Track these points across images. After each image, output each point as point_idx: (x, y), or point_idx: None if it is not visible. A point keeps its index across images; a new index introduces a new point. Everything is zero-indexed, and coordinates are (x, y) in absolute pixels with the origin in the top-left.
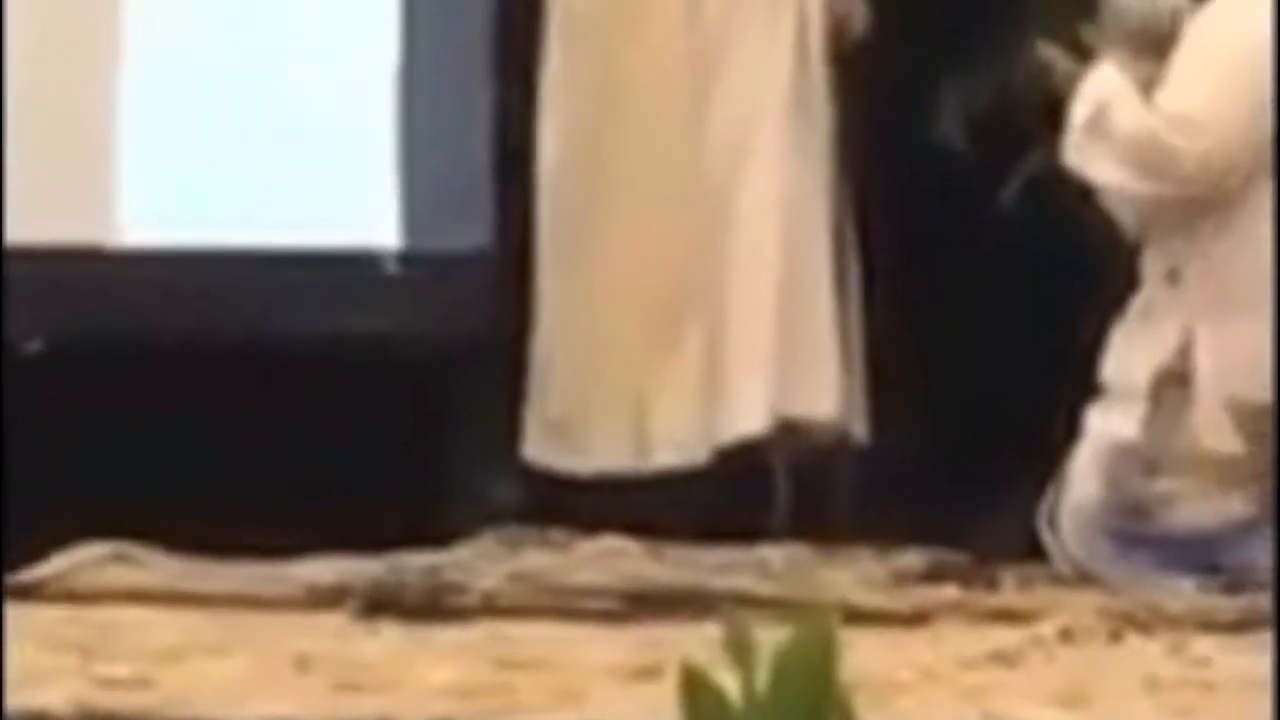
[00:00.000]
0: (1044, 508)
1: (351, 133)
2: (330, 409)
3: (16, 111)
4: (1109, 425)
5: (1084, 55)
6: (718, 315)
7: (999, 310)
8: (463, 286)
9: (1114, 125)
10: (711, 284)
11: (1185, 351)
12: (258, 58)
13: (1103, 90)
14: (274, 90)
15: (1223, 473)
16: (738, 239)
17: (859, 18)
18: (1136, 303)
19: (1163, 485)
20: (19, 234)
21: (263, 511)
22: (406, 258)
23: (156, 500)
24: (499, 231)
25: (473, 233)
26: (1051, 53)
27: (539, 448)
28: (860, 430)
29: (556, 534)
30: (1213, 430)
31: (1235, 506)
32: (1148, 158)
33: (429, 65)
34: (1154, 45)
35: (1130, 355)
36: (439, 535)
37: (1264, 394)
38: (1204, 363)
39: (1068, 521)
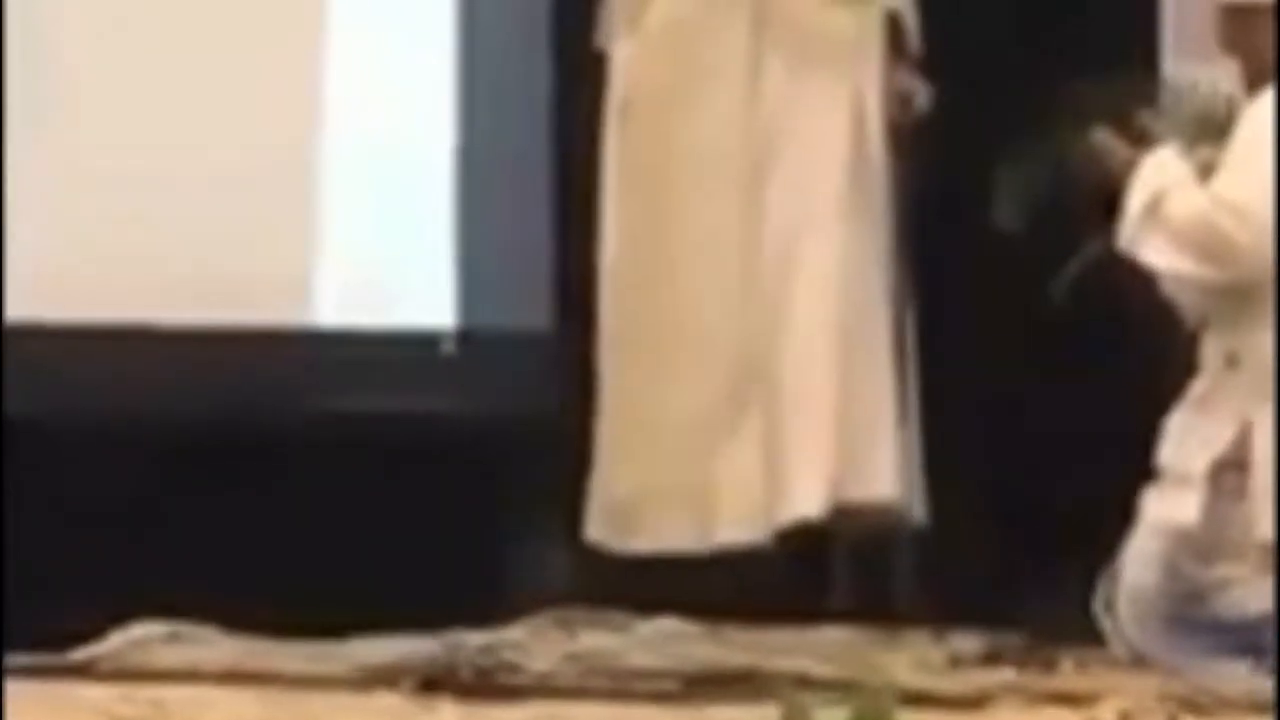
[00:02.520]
0: (1101, 591)
1: (409, 213)
2: (389, 488)
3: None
4: (1166, 510)
5: (1141, 141)
6: (778, 397)
7: (1057, 393)
8: (521, 367)
9: (1170, 211)
10: (771, 366)
11: (1242, 438)
12: (318, 140)
13: (1159, 176)
14: (334, 171)
15: (1265, 562)
16: (797, 321)
17: (919, 98)
18: (1195, 388)
19: (1219, 571)
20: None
21: (320, 590)
22: (465, 338)
23: (215, 579)
24: (557, 312)
25: (531, 313)
26: (1108, 139)
27: (600, 528)
28: (918, 512)
29: (613, 614)
30: (1267, 519)
31: None
32: (1203, 244)
33: (488, 147)
34: (1210, 132)
35: (1188, 441)
36: (496, 615)
37: None
38: (1260, 450)
39: (1125, 605)
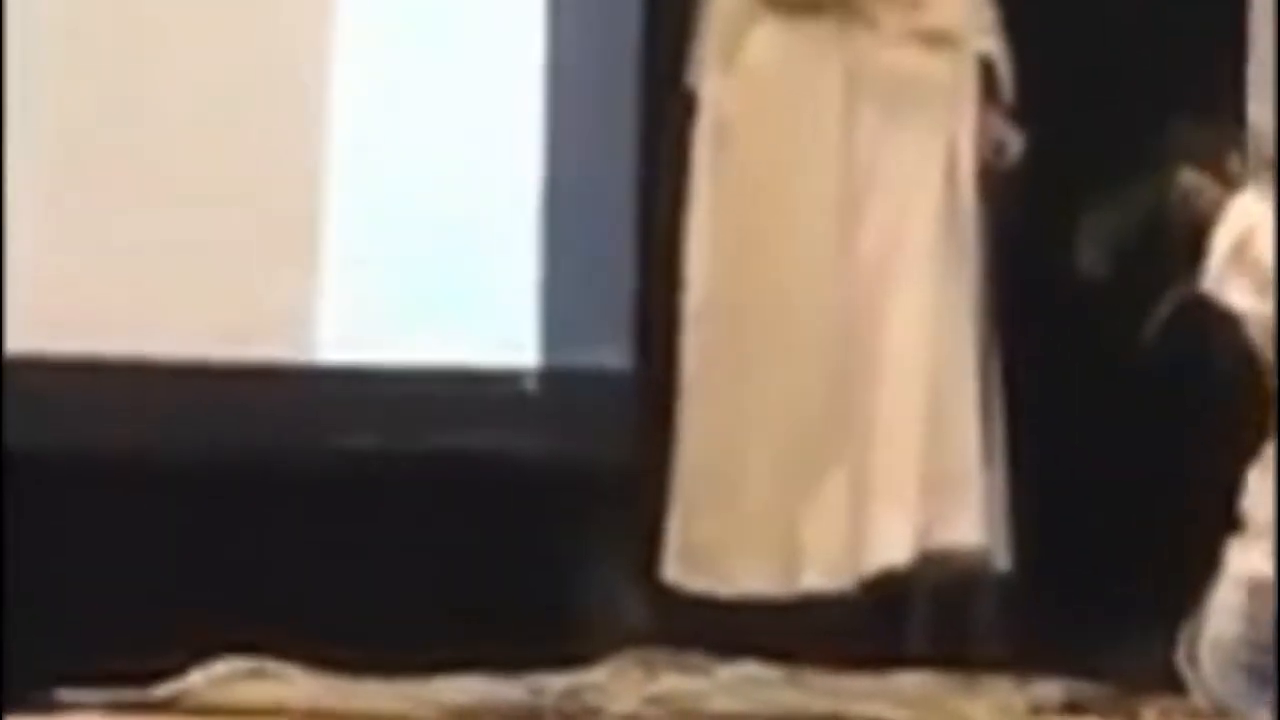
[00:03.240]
0: (1183, 641)
1: (494, 249)
2: (469, 526)
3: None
4: (1248, 561)
5: (1229, 185)
6: (864, 443)
7: (1142, 439)
8: (603, 406)
9: (1256, 254)
10: (857, 411)
11: None
12: (401, 175)
13: (1245, 218)
14: (419, 207)
15: None
16: (884, 366)
17: (1012, 144)
18: (1277, 437)
19: None
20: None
21: (402, 629)
22: (546, 376)
23: (298, 616)
24: (640, 352)
25: (614, 353)
26: (1197, 180)
27: (681, 571)
28: (1001, 558)
29: (694, 657)
30: None
31: None
32: None
33: (573, 182)
34: None
35: (1270, 491)
36: (577, 656)
37: None
38: None
39: (1207, 655)
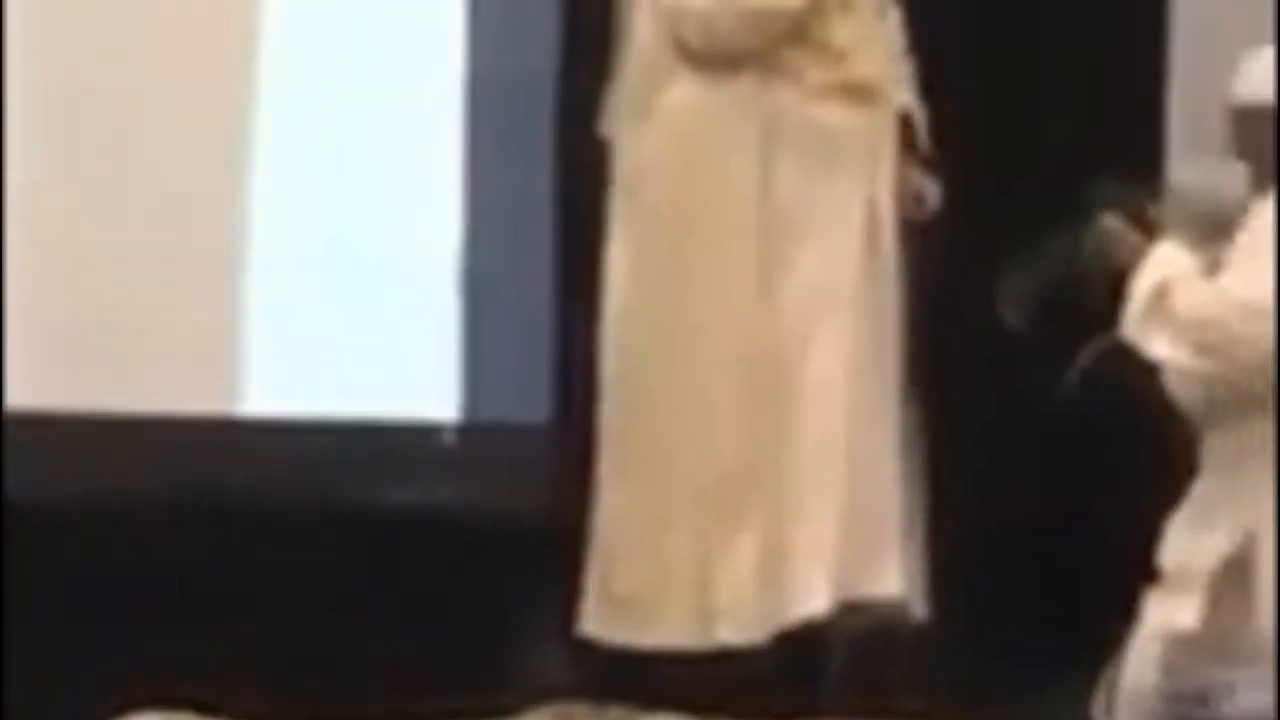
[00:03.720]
0: (1101, 692)
1: (414, 303)
2: (387, 579)
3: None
4: (1168, 612)
5: (1150, 231)
6: (782, 494)
7: (1060, 489)
8: (521, 459)
9: (1175, 303)
10: (776, 462)
11: (1246, 541)
12: (322, 229)
13: (1165, 268)
14: (340, 261)
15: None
16: (803, 418)
17: (930, 196)
18: (1197, 488)
19: (1221, 673)
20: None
21: (319, 682)
22: (466, 430)
23: (214, 669)
24: (558, 405)
25: (533, 406)
26: (1118, 225)
27: (600, 623)
28: (920, 608)
29: (614, 710)
30: (1270, 621)
31: None
32: (1209, 339)
33: (492, 235)
34: (1217, 232)
35: (1191, 542)
36: (497, 710)
37: None
38: (1265, 554)
39: (1125, 706)
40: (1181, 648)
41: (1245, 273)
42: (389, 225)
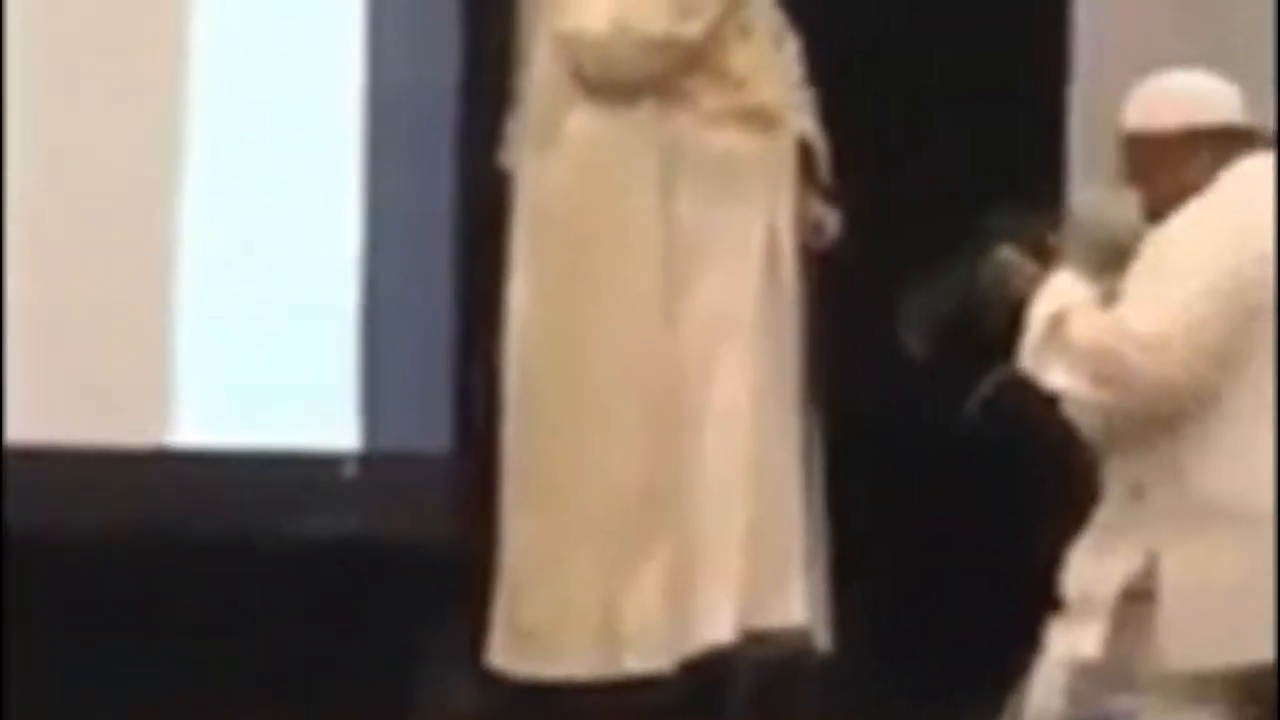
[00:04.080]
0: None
1: (314, 333)
2: (289, 611)
3: None
4: (1070, 640)
5: (1048, 260)
6: (686, 524)
7: (963, 518)
8: (424, 489)
9: (1071, 333)
10: (680, 492)
11: (1150, 568)
12: (222, 263)
13: (1061, 297)
14: (240, 293)
15: (1187, 690)
16: (706, 447)
17: (830, 224)
18: (1099, 516)
19: (1125, 702)
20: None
21: (221, 707)
22: (368, 460)
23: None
24: (461, 435)
25: (435, 436)
26: (1013, 255)
27: (505, 654)
28: (823, 638)
29: None
30: (1178, 650)
31: None
32: (1107, 370)
33: (393, 264)
34: (1116, 259)
35: (1093, 570)
36: None
37: (1232, 613)
38: (1169, 581)
39: None
40: (1085, 676)
41: (1146, 303)
42: (291, 260)
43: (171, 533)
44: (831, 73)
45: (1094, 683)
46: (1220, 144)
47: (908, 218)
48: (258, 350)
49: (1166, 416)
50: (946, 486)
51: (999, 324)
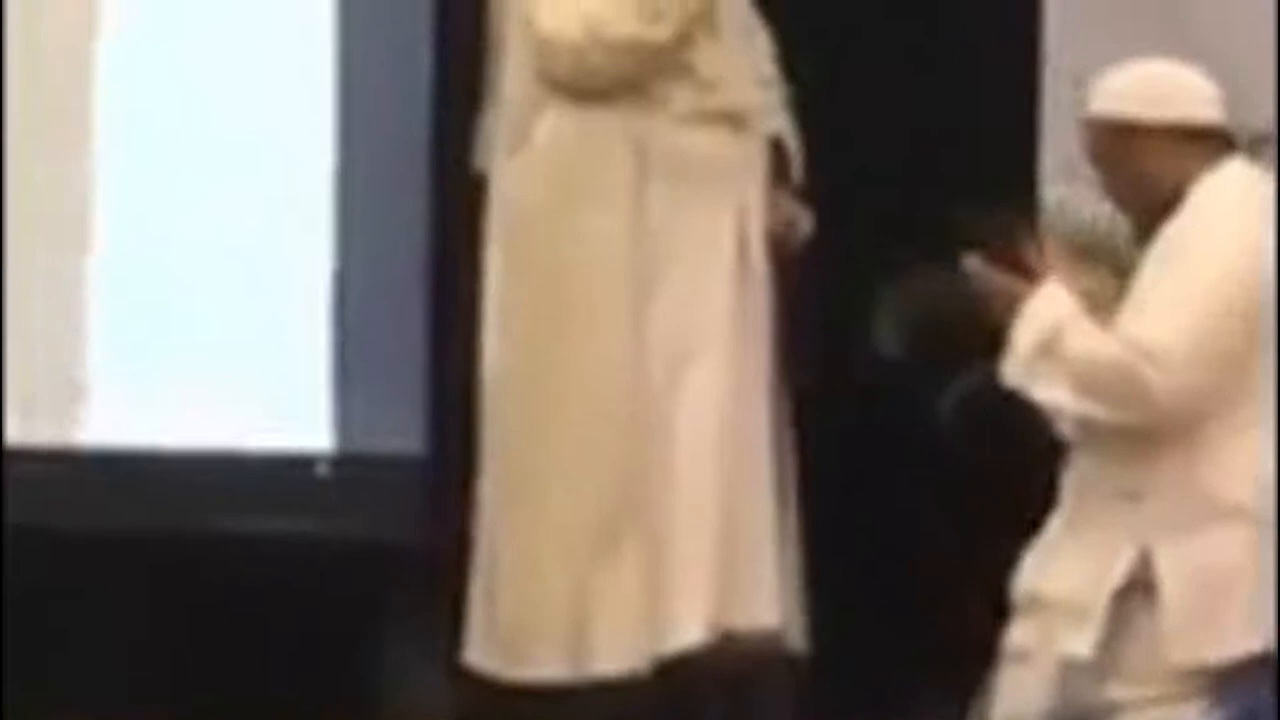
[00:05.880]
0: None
1: (288, 337)
2: (262, 612)
3: None
4: (1056, 640)
5: (1017, 267)
6: (658, 525)
7: (936, 520)
8: (397, 490)
9: (1067, 349)
10: (652, 494)
11: (1144, 564)
12: (196, 263)
13: (1051, 310)
14: (212, 291)
15: (1181, 683)
16: (678, 448)
17: (801, 223)
18: (1073, 517)
19: (1115, 694)
20: None
21: (189, 711)
22: (340, 461)
23: (86, 703)
24: (434, 435)
25: (408, 437)
26: (979, 265)
27: (480, 654)
28: (796, 640)
29: None
30: (1183, 644)
31: (1189, 716)
32: (1112, 386)
33: (366, 265)
34: (1090, 254)
35: (1079, 571)
36: None
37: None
38: (1168, 579)
39: None
40: (1075, 671)
41: (1152, 315)
42: (263, 258)
43: (143, 532)
44: (804, 71)
45: (1084, 678)
46: (1205, 144)
47: (881, 214)
48: (232, 350)
49: (1172, 425)
50: (920, 487)
51: (972, 328)
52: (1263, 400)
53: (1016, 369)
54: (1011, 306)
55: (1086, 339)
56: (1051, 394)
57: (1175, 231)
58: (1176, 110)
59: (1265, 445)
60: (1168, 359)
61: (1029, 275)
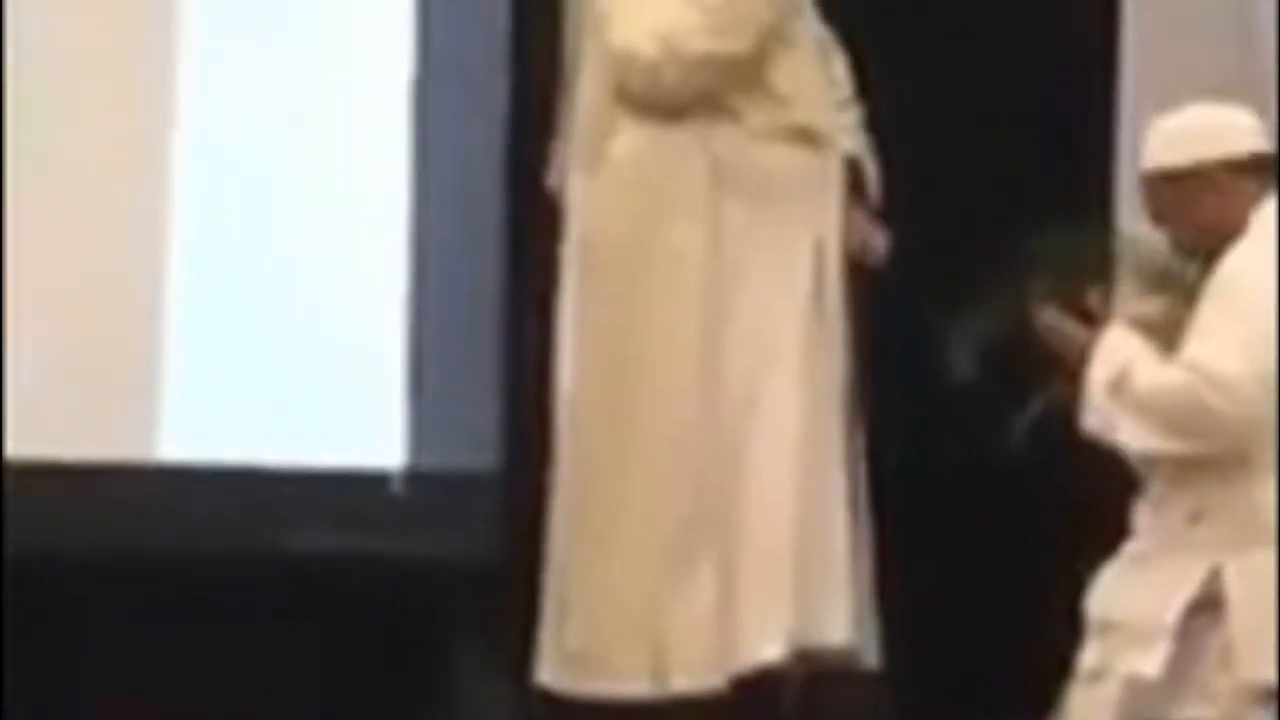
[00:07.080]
0: None
1: (362, 353)
2: (337, 628)
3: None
4: (1128, 660)
5: (1089, 318)
6: (734, 543)
7: (1008, 538)
8: (471, 508)
9: (1137, 386)
10: (727, 512)
11: (1211, 583)
12: (271, 279)
13: (1118, 352)
14: (287, 311)
15: (1247, 700)
16: (753, 467)
17: (878, 244)
18: (1147, 543)
19: (1183, 713)
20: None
21: None
22: (414, 478)
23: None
24: (508, 454)
25: (482, 455)
26: (1054, 316)
27: (554, 673)
28: (871, 656)
29: None
30: (1249, 660)
31: None
32: (1183, 418)
33: (440, 283)
34: (1164, 282)
35: (1148, 593)
36: None
37: None
38: (1236, 595)
39: None
40: (1145, 692)
41: (1218, 345)
42: (339, 276)
43: (217, 550)
44: (881, 90)
45: (1145, 698)
46: (1257, 174)
47: (955, 240)
48: (309, 368)
49: (1252, 448)
50: (993, 506)
51: (1045, 361)
52: None
53: (1093, 417)
54: (1083, 357)
55: (1153, 373)
56: (1127, 433)
57: (1233, 258)
58: (1221, 147)
59: None
60: (1235, 388)
61: (1093, 322)
